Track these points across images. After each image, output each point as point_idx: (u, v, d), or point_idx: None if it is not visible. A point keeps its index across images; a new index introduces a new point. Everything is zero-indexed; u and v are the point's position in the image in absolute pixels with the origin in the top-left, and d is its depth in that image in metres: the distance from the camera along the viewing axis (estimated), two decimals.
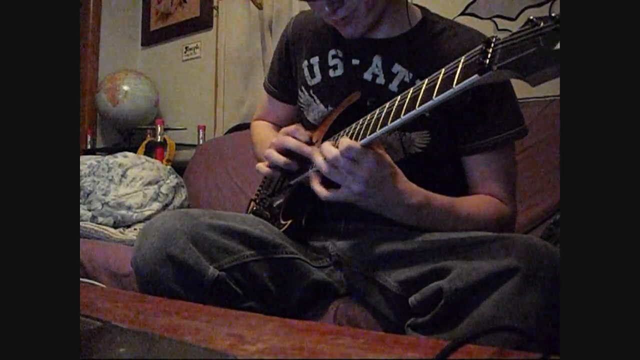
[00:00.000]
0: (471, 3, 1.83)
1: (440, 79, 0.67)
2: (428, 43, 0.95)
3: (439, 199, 0.85)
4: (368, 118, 0.78)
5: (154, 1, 2.96)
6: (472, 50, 0.63)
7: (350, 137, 0.78)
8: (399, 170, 0.81)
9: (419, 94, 0.69)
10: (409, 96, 0.71)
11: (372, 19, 0.91)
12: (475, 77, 0.60)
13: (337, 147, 0.77)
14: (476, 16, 1.82)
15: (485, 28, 1.78)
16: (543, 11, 1.69)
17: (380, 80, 0.96)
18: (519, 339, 0.65)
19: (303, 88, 1.05)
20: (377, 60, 0.96)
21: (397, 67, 0.95)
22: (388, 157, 0.78)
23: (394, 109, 0.73)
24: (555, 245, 0.76)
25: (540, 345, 0.49)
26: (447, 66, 0.67)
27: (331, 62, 1.01)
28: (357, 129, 0.79)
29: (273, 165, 0.95)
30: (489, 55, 0.59)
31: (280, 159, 0.92)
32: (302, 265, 0.93)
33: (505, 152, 0.93)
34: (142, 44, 3.04)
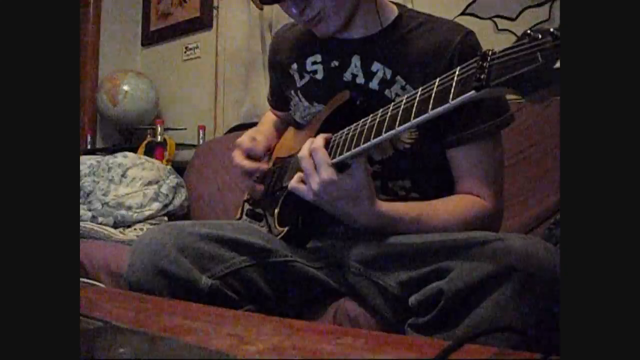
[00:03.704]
0: (471, 3, 1.83)
1: (434, 91, 0.65)
2: (405, 39, 0.95)
3: (408, 214, 0.85)
4: (360, 125, 0.78)
5: (154, 1, 2.96)
6: (467, 63, 0.61)
7: (342, 144, 0.78)
8: (363, 195, 0.80)
9: (413, 104, 0.68)
10: (402, 106, 0.70)
11: (343, 17, 0.92)
12: (472, 93, 0.59)
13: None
14: (476, 16, 1.82)
15: (485, 28, 1.78)
16: (543, 11, 1.69)
17: (360, 79, 0.96)
18: (519, 339, 0.65)
19: (292, 92, 1.07)
20: (355, 60, 0.97)
21: (376, 66, 0.95)
22: (348, 181, 0.78)
23: (387, 118, 0.72)
24: (555, 245, 0.76)
25: (540, 346, 0.49)
26: (441, 77, 0.65)
27: (310, 68, 1.03)
28: (349, 135, 0.79)
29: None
30: (486, 71, 0.57)
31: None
32: (298, 267, 0.93)
33: (488, 145, 0.91)
34: (142, 44, 3.04)
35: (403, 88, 0.93)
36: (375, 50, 0.96)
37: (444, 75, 0.65)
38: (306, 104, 1.03)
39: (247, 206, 1.15)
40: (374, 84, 0.95)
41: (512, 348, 0.56)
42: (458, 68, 0.63)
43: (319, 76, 1.01)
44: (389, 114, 0.71)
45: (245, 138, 1.08)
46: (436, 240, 0.78)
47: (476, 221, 0.88)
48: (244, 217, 1.15)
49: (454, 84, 0.62)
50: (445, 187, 0.94)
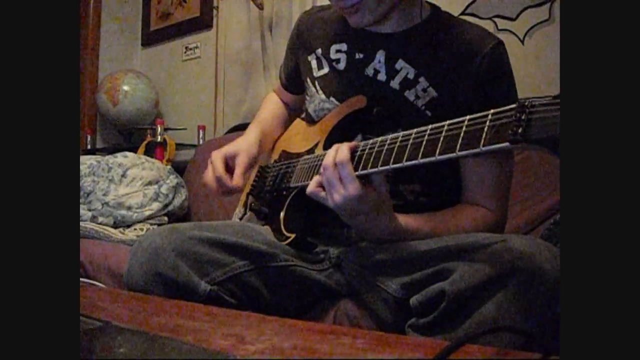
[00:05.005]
0: (471, 3, 1.83)
1: (463, 131, 0.63)
2: (433, 39, 0.93)
3: (421, 229, 0.84)
4: (379, 142, 0.76)
5: (154, 1, 2.96)
6: (502, 110, 0.59)
7: (368, 159, 0.76)
8: (383, 210, 0.80)
9: (439, 138, 0.66)
10: (426, 137, 0.68)
11: (382, 10, 0.90)
12: (506, 144, 0.57)
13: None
14: (476, 16, 1.82)
15: (485, 28, 1.78)
16: (543, 11, 1.69)
17: (382, 76, 0.95)
18: (519, 339, 0.65)
19: (309, 80, 1.05)
20: (380, 56, 0.95)
21: (400, 64, 0.94)
22: (374, 196, 0.77)
23: (409, 146, 0.70)
24: (555, 245, 0.76)
25: (541, 346, 0.49)
26: (471, 117, 0.63)
27: (334, 56, 1.01)
28: (366, 151, 0.77)
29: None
30: (523, 125, 0.55)
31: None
32: (299, 271, 0.92)
33: (501, 161, 0.91)
34: (142, 44, 3.04)
35: (424, 90, 0.92)
36: (401, 48, 0.94)
37: (475, 116, 0.63)
38: (322, 96, 1.01)
39: (250, 199, 1.14)
40: (395, 83, 0.93)
41: (512, 348, 0.56)
42: (491, 112, 0.60)
43: (341, 66, 0.99)
44: (427, 138, 0.68)
45: (219, 160, 1.02)
46: (439, 243, 0.78)
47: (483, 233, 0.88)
48: (248, 211, 1.14)
49: (486, 128, 0.60)
50: (453, 193, 0.94)
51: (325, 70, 1.02)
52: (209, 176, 1.02)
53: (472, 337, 0.47)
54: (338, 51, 1.00)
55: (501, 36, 1.74)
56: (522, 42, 1.73)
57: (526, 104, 0.55)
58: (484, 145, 0.60)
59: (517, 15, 1.74)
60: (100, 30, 2.94)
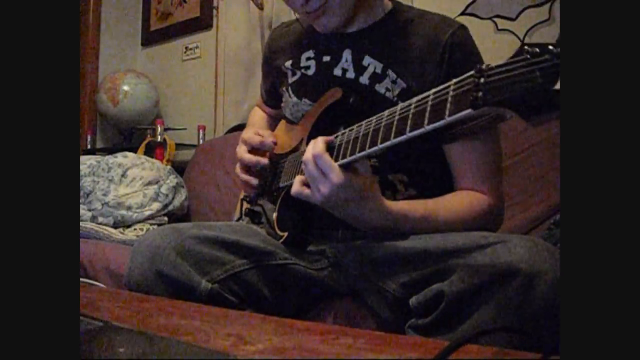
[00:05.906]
0: (471, 3, 1.83)
1: (429, 104, 0.64)
2: (397, 32, 0.95)
3: (414, 212, 0.84)
4: (355, 130, 0.76)
5: (154, 1, 2.96)
6: (462, 77, 0.59)
7: (347, 146, 0.77)
8: (371, 194, 0.80)
9: (408, 115, 0.67)
10: (396, 117, 0.69)
11: (345, 11, 0.92)
12: (468, 111, 0.57)
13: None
14: (476, 16, 1.82)
15: (486, 28, 1.78)
16: (543, 11, 1.69)
17: (350, 74, 0.96)
18: (519, 340, 0.65)
19: (284, 88, 1.07)
20: (347, 55, 0.97)
21: (367, 60, 0.95)
22: (359, 181, 0.77)
23: (382, 128, 0.71)
24: (555, 245, 0.76)
25: (541, 346, 0.49)
26: (436, 90, 0.63)
27: (304, 64, 1.03)
28: (344, 140, 0.78)
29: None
30: (482, 89, 0.55)
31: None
32: (298, 269, 0.92)
33: (485, 139, 0.90)
34: (142, 44, 3.04)
35: (394, 82, 0.93)
36: (366, 44, 0.96)
37: (439, 88, 0.63)
38: (295, 99, 1.03)
39: (245, 205, 1.15)
40: (364, 79, 0.95)
41: (512, 348, 0.56)
42: (453, 82, 0.60)
43: (311, 72, 1.01)
44: (397, 118, 0.69)
45: (251, 134, 1.05)
46: (438, 243, 0.78)
47: (480, 217, 0.88)
48: (243, 216, 1.15)
49: (449, 98, 0.60)
50: (442, 183, 0.94)
51: (298, 75, 1.04)
52: (240, 151, 1.05)
53: (472, 337, 0.47)
54: (308, 59, 1.02)
55: (501, 36, 1.76)
56: (522, 42, 1.73)
57: (484, 67, 0.55)
58: (449, 116, 0.60)
59: (517, 15, 1.74)
60: (100, 30, 2.94)
